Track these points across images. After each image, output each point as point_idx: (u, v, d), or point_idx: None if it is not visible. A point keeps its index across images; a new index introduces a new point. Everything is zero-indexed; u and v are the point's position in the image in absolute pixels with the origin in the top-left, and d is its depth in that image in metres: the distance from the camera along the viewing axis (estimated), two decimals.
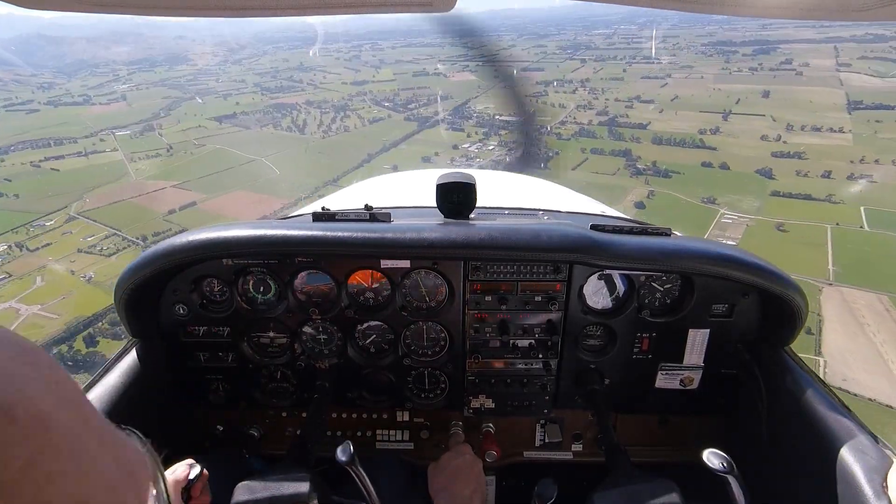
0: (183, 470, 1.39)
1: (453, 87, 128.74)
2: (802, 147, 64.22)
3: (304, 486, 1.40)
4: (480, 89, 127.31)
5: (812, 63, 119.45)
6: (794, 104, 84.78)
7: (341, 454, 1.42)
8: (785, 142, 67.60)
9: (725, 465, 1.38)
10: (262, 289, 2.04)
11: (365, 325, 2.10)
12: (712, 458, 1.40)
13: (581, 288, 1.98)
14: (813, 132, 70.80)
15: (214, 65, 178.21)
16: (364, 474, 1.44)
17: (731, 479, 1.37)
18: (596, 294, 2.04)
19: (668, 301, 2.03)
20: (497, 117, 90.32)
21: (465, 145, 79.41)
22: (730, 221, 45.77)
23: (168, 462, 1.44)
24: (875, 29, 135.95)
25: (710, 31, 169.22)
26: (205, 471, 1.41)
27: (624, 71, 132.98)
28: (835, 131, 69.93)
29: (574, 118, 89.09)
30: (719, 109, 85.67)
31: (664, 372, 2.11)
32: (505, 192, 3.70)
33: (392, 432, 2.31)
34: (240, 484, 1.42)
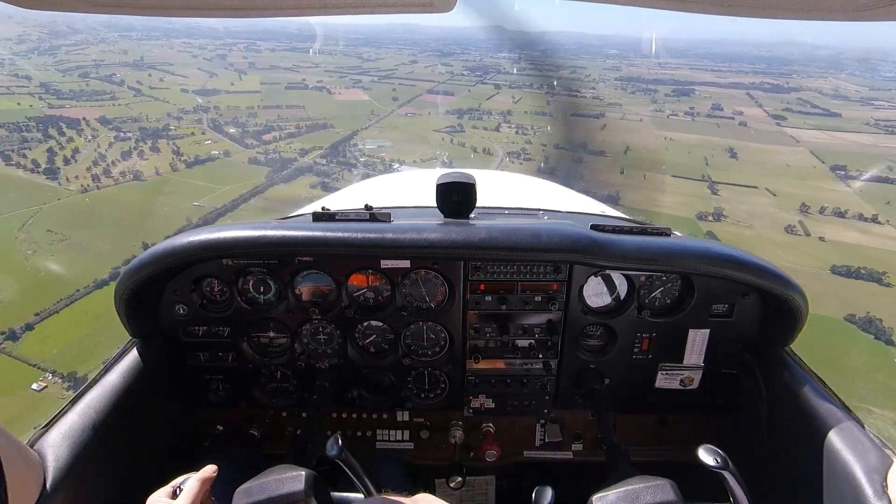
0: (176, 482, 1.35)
1: (337, 109, 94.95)
2: (857, 253, 42.83)
3: (299, 485, 1.35)
4: (374, 116, 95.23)
5: (745, 112, 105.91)
6: (773, 168, 66.78)
7: (330, 448, 1.41)
8: (822, 238, 45.99)
9: (719, 460, 1.36)
10: (262, 289, 2.02)
11: (365, 324, 2.07)
12: (706, 454, 1.38)
13: (581, 288, 1.97)
14: (837, 217, 50.79)
15: (9, 54, 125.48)
16: (357, 465, 1.43)
17: (726, 474, 1.35)
18: (596, 294, 2.02)
19: (669, 301, 2.01)
20: (397, 166, 57.98)
21: None
22: None
23: (168, 465, 1.46)
24: (771, 78, 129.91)
25: (614, 65, 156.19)
26: (196, 479, 1.32)
27: (548, 104, 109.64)
28: (866, 220, 49.95)
29: None
30: (694, 174, 63.10)
31: (664, 372, 2.08)
32: (505, 192, 3.65)
33: (392, 432, 2.28)
34: (238, 490, 1.39)
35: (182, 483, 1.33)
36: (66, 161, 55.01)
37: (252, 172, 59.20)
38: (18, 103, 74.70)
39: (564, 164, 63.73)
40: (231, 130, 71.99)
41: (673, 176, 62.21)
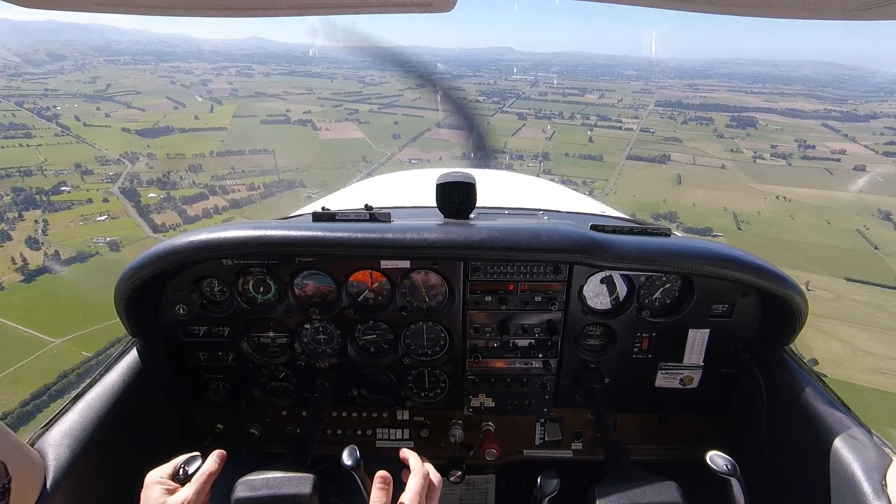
0: (182, 459, 1.37)
1: (319, 151, 72.34)
2: None
3: (306, 487, 1.36)
4: (367, 163, 72.65)
5: (848, 150, 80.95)
6: None
7: (347, 458, 1.38)
8: None
9: (729, 466, 1.37)
10: (262, 289, 2.01)
11: (365, 324, 2.07)
12: (717, 459, 1.38)
13: (581, 288, 1.96)
14: None
15: None
16: (368, 480, 1.39)
17: (733, 481, 1.35)
18: (596, 294, 2.01)
19: (669, 301, 2.01)
20: None
21: None
22: None
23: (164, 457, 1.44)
24: (832, 105, 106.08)
25: (643, 88, 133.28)
26: (206, 472, 1.31)
27: (590, 140, 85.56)
28: None
29: None
30: (874, 274, 38.13)
31: (664, 371, 2.08)
32: (505, 192, 3.62)
33: (392, 431, 2.27)
34: (240, 479, 1.39)
35: (185, 464, 1.32)
36: None
37: None
38: None
39: None
40: (150, 195, 49.42)
41: (847, 280, 37.56)
